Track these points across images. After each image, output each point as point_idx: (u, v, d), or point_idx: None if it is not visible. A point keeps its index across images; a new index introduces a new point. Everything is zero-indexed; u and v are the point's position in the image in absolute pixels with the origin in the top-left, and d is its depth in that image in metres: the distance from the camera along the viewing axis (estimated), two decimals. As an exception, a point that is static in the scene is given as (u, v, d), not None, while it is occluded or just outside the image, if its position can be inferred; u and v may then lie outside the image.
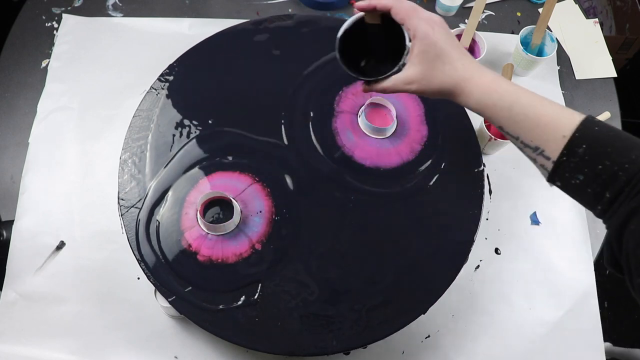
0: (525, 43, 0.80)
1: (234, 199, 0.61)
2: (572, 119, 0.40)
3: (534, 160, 0.43)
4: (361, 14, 0.48)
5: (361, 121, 0.67)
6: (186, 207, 0.62)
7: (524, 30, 0.78)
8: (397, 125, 0.68)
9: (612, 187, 0.38)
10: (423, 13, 0.45)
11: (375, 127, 0.66)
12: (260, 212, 0.62)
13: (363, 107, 0.67)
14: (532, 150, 0.42)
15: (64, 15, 0.86)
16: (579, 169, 0.39)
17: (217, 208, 0.62)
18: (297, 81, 0.70)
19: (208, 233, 0.60)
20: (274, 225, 0.61)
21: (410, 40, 0.46)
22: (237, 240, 0.60)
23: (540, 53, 0.80)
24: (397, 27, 0.47)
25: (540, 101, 0.42)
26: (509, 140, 0.69)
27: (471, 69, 0.45)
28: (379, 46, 0.49)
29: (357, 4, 0.47)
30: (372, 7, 0.46)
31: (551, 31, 0.85)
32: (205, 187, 0.63)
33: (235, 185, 0.63)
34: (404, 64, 0.47)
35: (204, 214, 0.61)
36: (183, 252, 0.59)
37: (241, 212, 0.62)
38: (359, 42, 0.50)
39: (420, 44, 0.45)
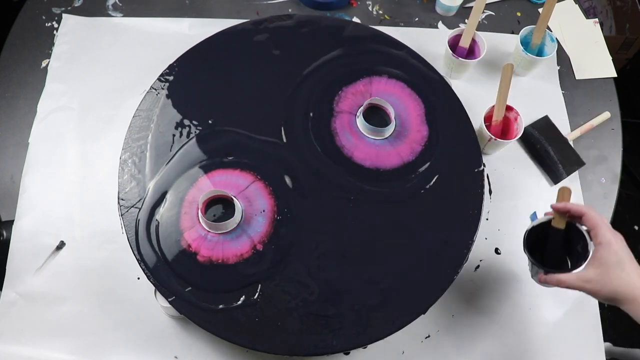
0: (525, 43, 0.80)
1: (235, 197, 0.61)
2: None
3: None
4: (550, 217, 0.55)
5: (359, 122, 0.67)
6: (185, 207, 0.62)
7: (524, 30, 0.78)
8: (398, 126, 0.68)
9: None
10: (608, 224, 0.51)
11: (373, 127, 0.65)
12: (264, 211, 0.62)
13: (362, 108, 0.67)
14: None
15: (64, 15, 0.86)
16: None
17: (219, 206, 0.62)
18: (297, 81, 0.70)
19: (209, 232, 0.60)
20: (276, 225, 0.61)
21: (592, 245, 0.53)
22: (238, 241, 0.60)
23: (540, 53, 0.80)
24: (577, 233, 0.54)
25: None
26: (509, 140, 0.70)
27: None
28: (556, 246, 0.56)
29: (554, 205, 0.54)
30: (566, 210, 0.53)
31: (551, 31, 0.85)
32: (205, 184, 0.63)
33: (237, 182, 0.63)
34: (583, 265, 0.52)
35: (205, 213, 0.61)
36: (183, 252, 0.59)
37: (245, 211, 0.62)
38: (540, 238, 0.57)
39: (604, 250, 0.49)
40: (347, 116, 0.68)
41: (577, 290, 0.51)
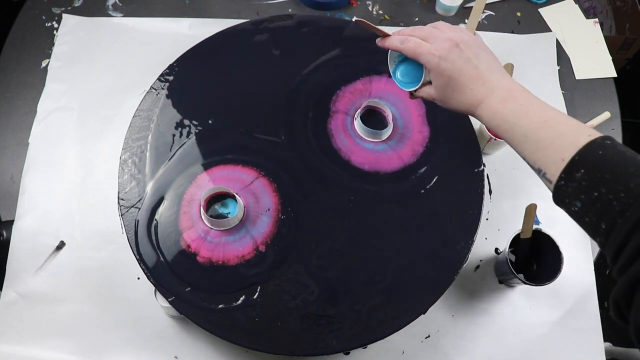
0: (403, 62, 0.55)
1: (237, 194, 0.61)
2: (577, 141, 0.38)
3: (543, 182, 0.42)
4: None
5: (357, 124, 0.67)
6: (184, 206, 0.62)
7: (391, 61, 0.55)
8: (400, 128, 0.68)
9: (606, 218, 0.35)
10: (430, 46, 0.47)
11: (371, 130, 0.65)
12: (268, 210, 0.62)
13: (359, 110, 0.67)
14: (536, 172, 0.42)
15: (64, 15, 0.86)
16: (576, 195, 0.37)
17: (221, 204, 0.62)
18: (297, 81, 0.70)
19: (210, 231, 0.60)
20: (279, 225, 0.61)
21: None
22: (241, 242, 0.60)
23: None
24: (544, 237, 0.62)
25: (545, 122, 0.41)
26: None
27: (481, 94, 0.46)
28: (524, 249, 0.65)
29: (378, 42, 0.52)
30: (384, 48, 0.51)
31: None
32: (203, 181, 0.63)
33: (240, 177, 0.63)
34: (428, 80, 0.51)
35: (207, 210, 0.61)
36: (182, 252, 0.59)
37: (252, 209, 0.61)
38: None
39: (432, 75, 0.48)
40: (342, 116, 0.68)
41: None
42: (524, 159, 0.44)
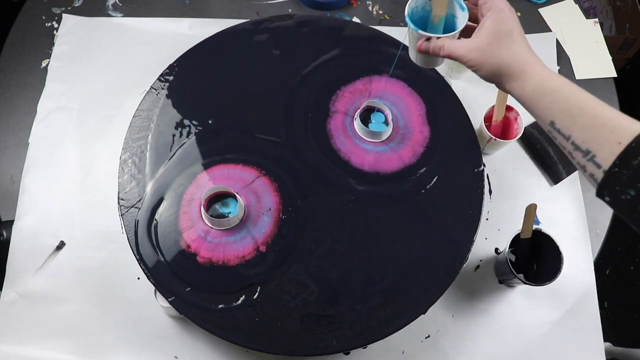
0: (421, 20, 0.50)
1: (237, 193, 0.61)
2: (630, 127, 0.36)
3: (584, 169, 0.39)
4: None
5: (357, 124, 0.67)
6: (184, 206, 0.62)
7: (412, 2, 0.49)
8: (400, 128, 0.68)
9: None
10: None
11: (370, 130, 0.65)
12: (270, 209, 0.62)
13: (359, 111, 0.67)
14: (582, 155, 0.39)
15: (64, 15, 0.86)
16: (631, 183, 0.35)
17: (222, 203, 0.62)
18: (297, 81, 0.70)
19: (210, 230, 0.60)
20: (280, 225, 0.61)
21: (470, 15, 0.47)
22: (241, 242, 0.60)
23: (451, 28, 0.49)
24: (545, 238, 0.63)
25: (598, 101, 0.39)
26: (509, 140, 0.70)
27: (534, 56, 0.44)
28: (524, 249, 0.65)
29: None
30: None
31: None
32: (203, 180, 0.63)
33: (241, 176, 0.63)
34: (459, 32, 0.47)
35: (207, 209, 0.61)
36: (182, 253, 0.59)
37: (254, 209, 0.61)
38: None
39: (495, 18, 0.44)
40: (342, 117, 0.68)
41: (459, 60, 0.46)
42: (567, 137, 0.40)
